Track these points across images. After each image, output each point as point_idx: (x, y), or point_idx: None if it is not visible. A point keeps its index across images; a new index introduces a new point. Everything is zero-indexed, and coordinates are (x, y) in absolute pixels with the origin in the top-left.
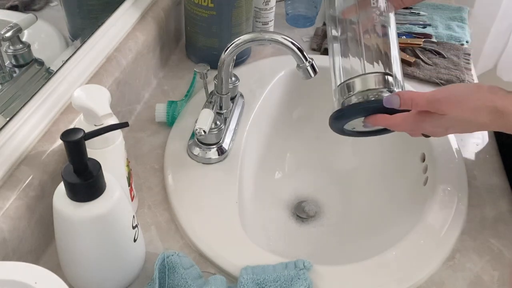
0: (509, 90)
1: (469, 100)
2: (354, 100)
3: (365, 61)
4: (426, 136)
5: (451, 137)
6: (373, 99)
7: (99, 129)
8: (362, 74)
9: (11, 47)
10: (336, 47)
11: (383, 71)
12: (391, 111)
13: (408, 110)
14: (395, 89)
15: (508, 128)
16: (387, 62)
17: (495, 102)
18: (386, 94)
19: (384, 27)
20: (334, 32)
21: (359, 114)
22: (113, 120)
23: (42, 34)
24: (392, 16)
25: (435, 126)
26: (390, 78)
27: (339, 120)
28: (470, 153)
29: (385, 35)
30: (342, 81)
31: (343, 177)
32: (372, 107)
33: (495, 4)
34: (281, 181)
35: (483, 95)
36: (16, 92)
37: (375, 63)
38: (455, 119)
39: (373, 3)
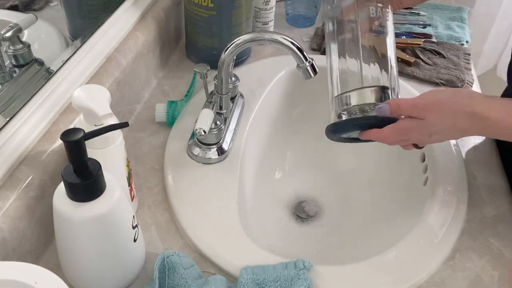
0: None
1: (447, 105)
2: (350, 114)
3: (362, 71)
4: (417, 147)
5: None
6: (368, 115)
7: (99, 129)
8: (359, 88)
9: (11, 47)
10: (333, 52)
11: (380, 84)
12: (384, 126)
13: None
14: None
15: (487, 132)
16: (385, 68)
17: (472, 106)
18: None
19: (382, 30)
20: (331, 34)
21: (354, 128)
22: (113, 120)
23: (42, 34)
24: (390, 18)
25: (420, 133)
26: (387, 91)
27: (335, 133)
28: (470, 153)
29: (383, 38)
30: (339, 93)
31: (343, 177)
32: (367, 122)
33: (495, 4)
34: (281, 181)
35: (461, 99)
36: (16, 92)
37: (371, 67)
38: (436, 124)
39: (371, 6)
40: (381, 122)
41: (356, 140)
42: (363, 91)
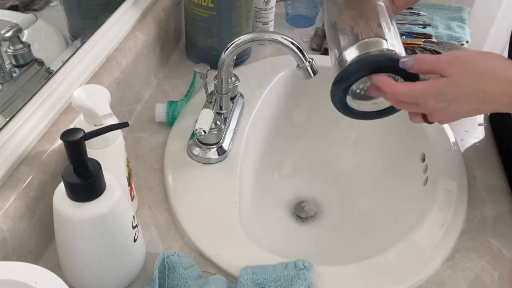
0: None
1: (475, 63)
2: (355, 60)
3: (363, 34)
4: (426, 120)
5: (451, 137)
6: (374, 53)
7: (99, 129)
8: (361, 40)
9: (11, 47)
10: (333, 32)
11: (382, 36)
12: (395, 72)
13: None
14: (395, 51)
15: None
16: (385, 33)
17: (505, 70)
18: (387, 50)
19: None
20: (332, 30)
21: (360, 71)
22: (113, 120)
23: (42, 34)
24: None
25: (438, 99)
26: (389, 43)
27: (341, 83)
28: (470, 153)
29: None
30: (341, 51)
31: (343, 177)
32: (373, 60)
33: (495, 4)
34: (281, 181)
35: (492, 61)
36: (16, 92)
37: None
38: (459, 85)
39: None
40: (395, 65)
41: (362, 114)
42: (364, 42)
